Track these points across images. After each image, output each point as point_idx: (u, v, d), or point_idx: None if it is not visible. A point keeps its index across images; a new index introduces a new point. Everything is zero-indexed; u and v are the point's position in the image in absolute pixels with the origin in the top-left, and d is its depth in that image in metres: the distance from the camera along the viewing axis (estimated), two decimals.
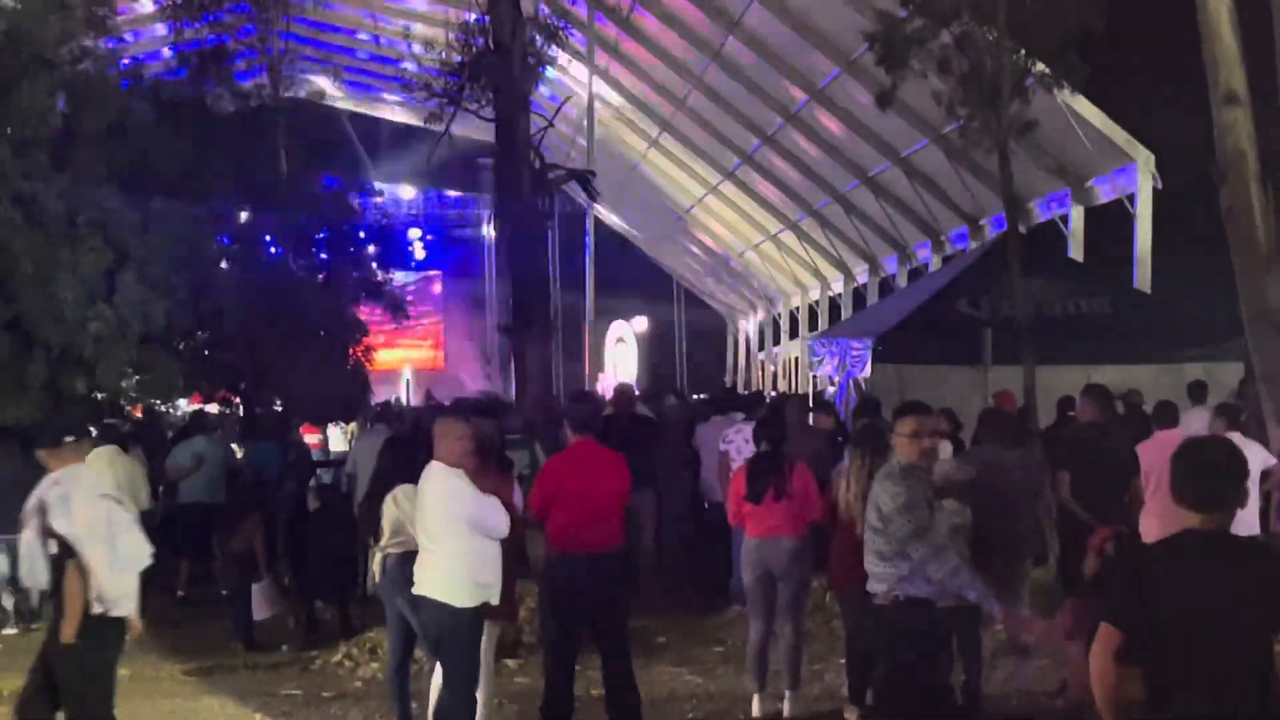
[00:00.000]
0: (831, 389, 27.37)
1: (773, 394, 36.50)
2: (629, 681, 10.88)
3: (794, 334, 49.25)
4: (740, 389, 46.17)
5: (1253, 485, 13.70)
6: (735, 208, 46.80)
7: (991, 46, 17.66)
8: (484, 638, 10.50)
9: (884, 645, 9.24)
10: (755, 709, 11.84)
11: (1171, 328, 21.00)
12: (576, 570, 10.58)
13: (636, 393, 23.04)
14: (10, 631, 16.62)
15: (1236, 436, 13.84)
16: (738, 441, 15.91)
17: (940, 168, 30.81)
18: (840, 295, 44.15)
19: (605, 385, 35.56)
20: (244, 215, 25.73)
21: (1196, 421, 14.50)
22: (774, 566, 11.64)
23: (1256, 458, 13.88)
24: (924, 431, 9.01)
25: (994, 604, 8.86)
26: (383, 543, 10.96)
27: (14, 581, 16.83)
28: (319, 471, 21.54)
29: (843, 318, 40.61)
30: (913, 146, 31.37)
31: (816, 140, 35.74)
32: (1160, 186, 25.45)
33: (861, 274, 42.08)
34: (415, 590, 10.05)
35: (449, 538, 9.86)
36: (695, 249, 56.47)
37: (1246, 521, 13.64)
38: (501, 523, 9.96)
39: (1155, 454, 12.96)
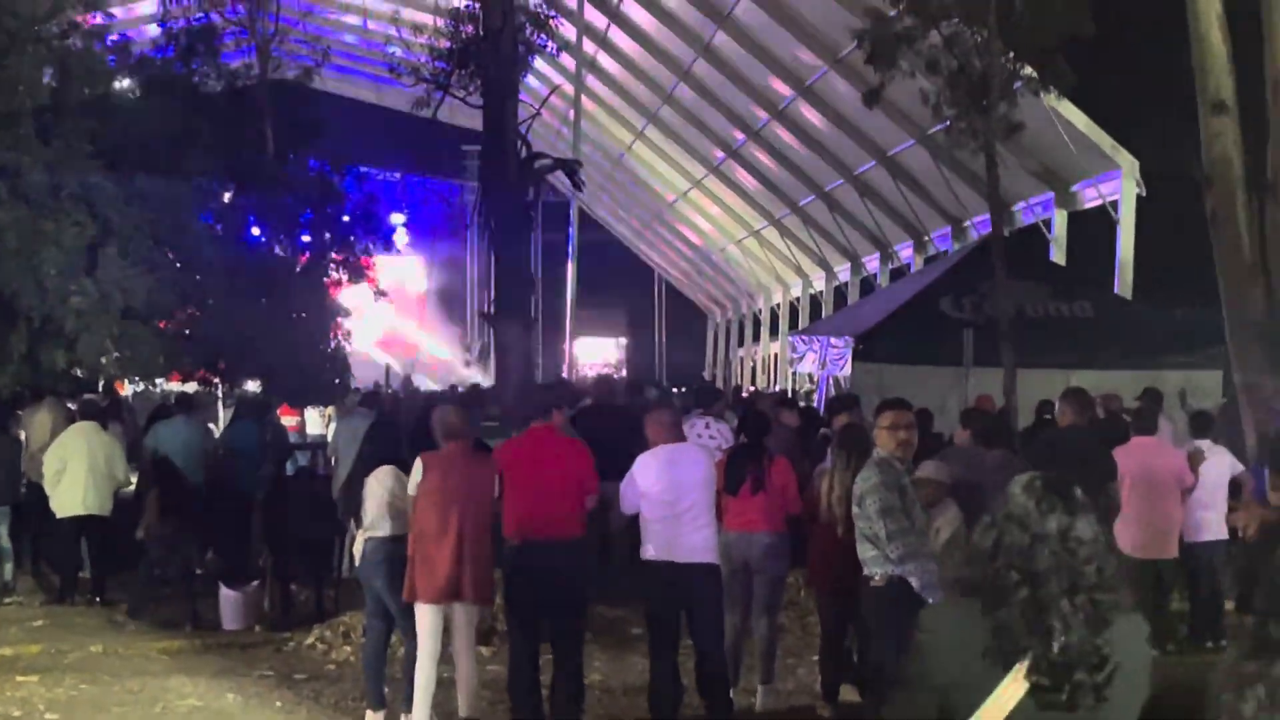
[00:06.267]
0: (810, 386, 27.42)
1: (750, 389, 36.58)
2: (576, 675, 10.85)
3: (774, 330, 49.30)
4: (718, 384, 46.15)
5: (1219, 491, 13.77)
6: (719, 202, 46.87)
7: (980, 48, 17.70)
8: (467, 622, 10.56)
9: (876, 628, 9.49)
10: None
11: (1152, 334, 21.06)
12: (531, 558, 10.50)
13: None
14: None
15: (1205, 444, 13.92)
16: (690, 436, 15.89)
17: (925, 168, 30.89)
18: (821, 293, 44.22)
19: (585, 376, 35.57)
20: (228, 194, 25.64)
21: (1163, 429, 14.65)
22: (751, 561, 11.64)
23: (1225, 466, 13.95)
24: (901, 425, 9.37)
25: (936, 594, 9.00)
26: (365, 525, 10.95)
27: None
28: (296, 454, 21.50)
29: (824, 315, 40.66)
30: (898, 146, 31.46)
31: (802, 137, 35.82)
32: (1144, 193, 25.55)
33: (843, 272, 42.16)
34: (690, 560, 10.29)
35: (712, 506, 10.51)
36: (678, 242, 56.49)
37: (1212, 528, 13.74)
38: None
39: (1133, 459, 13.00)
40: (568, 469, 10.69)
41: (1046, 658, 3.80)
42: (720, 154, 41.64)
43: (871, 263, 39.73)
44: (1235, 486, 13.80)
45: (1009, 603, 3.84)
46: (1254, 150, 15.52)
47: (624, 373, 51.14)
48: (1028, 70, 18.58)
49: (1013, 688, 3.85)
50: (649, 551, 10.43)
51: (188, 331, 22.93)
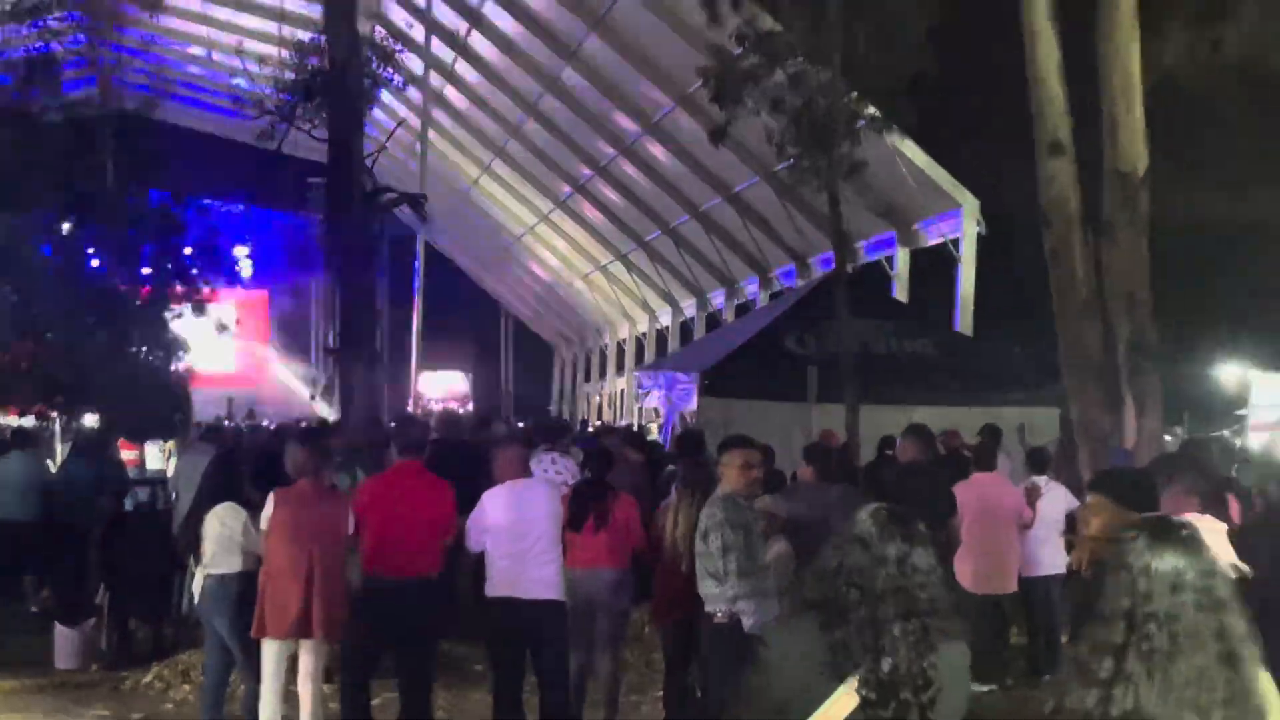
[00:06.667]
0: (658, 421, 27.46)
1: (597, 424, 36.56)
2: (423, 714, 10.78)
3: (620, 365, 49.37)
4: (565, 419, 46.10)
5: (1055, 526, 13.98)
6: (566, 237, 46.92)
7: (824, 87, 17.88)
8: (314, 660, 10.45)
9: (716, 663, 9.51)
10: None
11: (991, 371, 21.36)
12: (383, 594, 10.43)
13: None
14: None
15: (1043, 480, 14.12)
16: (536, 471, 15.82)
17: (770, 205, 31.14)
18: (667, 328, 44.36)
19: (431, 411, 35.39)
20: (67, 226, 25.26)
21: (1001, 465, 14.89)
22: (594, 597, 11.61)
23: (1062, 501, 14.15)
24: (753, 463, 9.49)
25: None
26: (205, 562, 10.80)
27: None
28: (135, 489, 21.15)
29: (669, 351, 40.78)
30: (744, 183, 31.66)
31: (649, 173, 35.95)
32: (984, 232, 25.93)
33: (689, 307, 42.33)
34: (535, 596, 10.30)
35: (558, 542, 10.55)
36: (524, 277, 56.45)
37: (1049, 563, 13.93)
38: None
39: (972, 494, 13.18)
40: (431, 506, 10.66)
41: (876, 675, 4.06)
42: (567, 189, 41.69)
43: (717, 298, 39.95)
44: (1071, 522, 14.00)
45: (847, 620, 4.09)
46: (1090, 190, 15.81)
47: (470, 407, 50.92)
48: (871, 110, 18.81)
49: (845, 699, 4.07)
50: (494, 588, 10.38)
51: (24, 365, 22.53)
